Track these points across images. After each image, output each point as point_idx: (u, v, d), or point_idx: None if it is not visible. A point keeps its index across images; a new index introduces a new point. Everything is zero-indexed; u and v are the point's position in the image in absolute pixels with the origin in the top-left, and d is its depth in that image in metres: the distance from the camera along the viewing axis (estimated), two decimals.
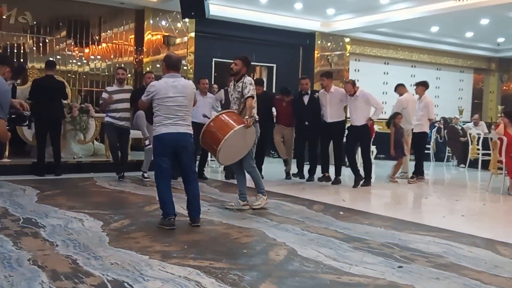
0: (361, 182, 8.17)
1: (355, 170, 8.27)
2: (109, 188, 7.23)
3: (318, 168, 8.60)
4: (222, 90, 8.61)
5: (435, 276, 3.62)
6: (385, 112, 14.64)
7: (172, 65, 4.96)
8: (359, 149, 8.84)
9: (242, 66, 5.94)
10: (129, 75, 11.28)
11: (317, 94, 8.37)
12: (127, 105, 7.82)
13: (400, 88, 9.35)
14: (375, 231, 4.99)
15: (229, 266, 3.66)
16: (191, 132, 4.99)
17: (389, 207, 6.91)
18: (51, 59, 9.18)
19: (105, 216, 5.22)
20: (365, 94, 8.20)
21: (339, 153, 8.50)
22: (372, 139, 9.51)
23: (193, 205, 5.01)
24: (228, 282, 3.32)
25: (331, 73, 8.76)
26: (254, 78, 8.59)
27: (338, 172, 8.40)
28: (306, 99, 8.38)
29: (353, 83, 8.25)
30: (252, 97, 5.83)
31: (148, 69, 11.19)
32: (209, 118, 6.82)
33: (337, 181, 8.33)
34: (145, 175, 7.87)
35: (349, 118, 8.40)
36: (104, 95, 7.87)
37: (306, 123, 8.34)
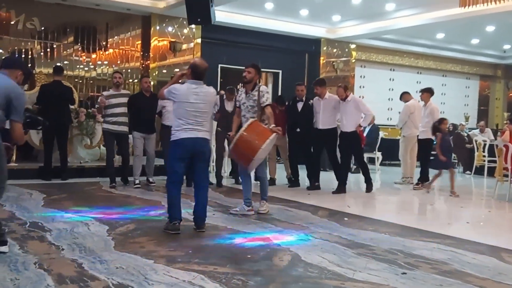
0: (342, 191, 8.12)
1: (343, 177, 8.20)
2: (115, 193, 7.28)
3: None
4: (218, 97, 8.61)
5: (439, 283, 3.62)
6: (390, 119, 14.81)
7: (197, 74, 5.00)
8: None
9: (255, 74, 6.02)
10: (136, 81, 11.36)
11: (311, 101, 8.33)
12: (124, 109, 7.75)
13: (405, 96, 9.40)
14: (380, 237, 5.00)
15: (233, 271, 3.68)
16: (209, 137, 5.07)
17: (394, 213, 6.90)
18: (58, 64, 9.27)
19: (110, 221, 5.26)
20: (356, 100, 8.28)
21: (334, 160, 8.44)
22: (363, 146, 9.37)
23: (200, 211, 5.06)
24: (232, 287, 3.34)
25: (324, 80, 8.70)
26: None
27: (341, 179, 8.28)
28: (300, 105, 8.33)
29: (345, 87, 8.26)
30: (270, 105, 5.97)
31: (154, 74, 11.27)
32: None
33: (340, 190, 8.16)
34: (136, 181, 7.82)
35: (339, 122, 8.32)
36: (100, 98, 7.81)
37: (298, 130, 8.32)
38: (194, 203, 5.29)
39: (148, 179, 8.01)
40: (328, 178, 8.59)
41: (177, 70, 11.43)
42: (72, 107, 8.63)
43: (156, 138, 8.29)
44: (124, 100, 7.77)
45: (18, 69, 4.10)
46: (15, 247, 4.07)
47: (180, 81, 5.26)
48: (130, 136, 8.08)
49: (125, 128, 7.83)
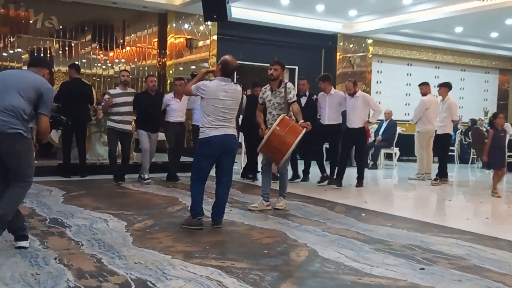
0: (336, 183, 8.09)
1: (337, 172, 8.15)
2: (132, 189, 7.34)
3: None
4: None
5: (457, 278, 3.59)
6: (408, 114, 14.69)
7: (227, 72, 5.00)
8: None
9: (281, 71, 6.09)
10: None
11: (315, 96, 8.29)
12: (130, 108, 7.75)
13: (425, 87, 9.23)
14: (397, 233, 4.97)
15: (250, 267, 3.69)
16: (236, 133, 5.06)
17: (412, 208, 6.85)
18: (76, 62, 9.35)
19: (129, 217, 5.30)
20: (365, 96, 8.26)
21: (335, 155, 8.40)
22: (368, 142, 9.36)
23: (220, 208, 5.07)
24: (249, 282, 3.35)
25: (329, 76, 8.62)
26: (252, 81, 8.70)
27: (338, 174, 8.19)
28: (303, 100, 8.24)
29: (354, 82, 8.24)
30: (296, 101, 5.99)
31: (171, 72, 11.32)
32: None
33: (336, 182, 8.09)
34: (146, 176, 7.88)
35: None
36: (106, 97, 7.79)
37: None
38: (211, 199, 5.33)
39: (144, 176, 8.00)
40: (347, 174, 8.51)
41: (193, 67, 11.50)
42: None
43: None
44: (130, 99, 7.78)
45: (45, 68, 4.20)
46: (35, 243, 4.13)
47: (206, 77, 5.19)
48: (135, 134, 8.18)
49: (129, 127, 7.83)
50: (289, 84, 6.04)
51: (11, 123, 3.74)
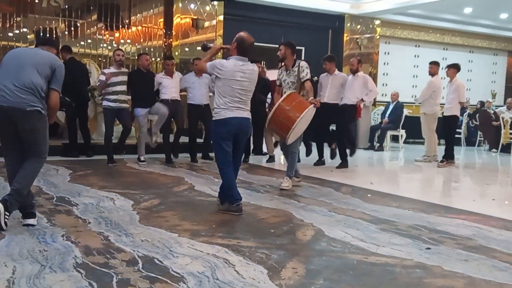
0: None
1: (344, 153, 8.16)
2: (139, 169, 7.36)
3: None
4: None
5: (464, 258, 3.59)
6: (415, 96, 14.59)
7: (243, 49, 4.77)
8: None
9: (286, 49, 6.04)
10: (158, 59, 11.39)
11: (316, 78, 8.22)
12: (124, 87, 7.68)
13: (435, 67, 9.11)
14: (403, 214, 4.97)
15: (256, 245, 3.70)
16: (250, 117, 4.88)
17: (418, 190, 6.85)
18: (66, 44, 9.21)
19: (135, 196, 5.32)
20: (366, 77, 8.27)
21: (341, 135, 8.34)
22: (359, 119, 9.22)
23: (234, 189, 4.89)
24: (256, 260, 3.37)
25: (333, 56, 8.56)
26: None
27: (341, 155, 8.21)
28: None
29: (359, 60, 8.29)
30: (310, 79, 5.96)
31: (177, 53, 11.26)
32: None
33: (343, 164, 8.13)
34: (142, 158, 7.85)
35: None
36: (102, 77, 7.64)
37: None
38: (217, 179, 5.33)
39: (139, 157, 7.96)
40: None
41: (199, 48, 11.40)
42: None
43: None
44: (125, 78, 7.70)
45: (53, 47, 4.28)
46: (43, 220, 4.16)
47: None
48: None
49: (125, 105, 7.76)
50: (303, 63, 6.03)
51: (30, 101, 3.79)
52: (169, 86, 7.98)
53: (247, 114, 4.82)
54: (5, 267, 3.06)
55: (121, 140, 7.98)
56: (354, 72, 8.12)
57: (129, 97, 7.87)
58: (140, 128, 7.89)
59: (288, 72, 6.09)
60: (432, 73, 9.10)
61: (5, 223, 3.76)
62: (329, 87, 7.99)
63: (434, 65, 9.16)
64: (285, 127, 5.52)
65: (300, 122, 5.49)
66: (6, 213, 3.77)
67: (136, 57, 10.80)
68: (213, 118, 4.81)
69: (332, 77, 8.02)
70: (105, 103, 7.66)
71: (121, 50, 8.08)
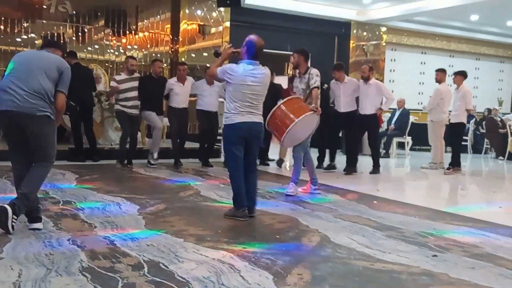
0: (353, 172, 8.20)
1: (352, 159, 8.23)
2: (145, 174, 7.38)
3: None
4: None
5: (470, 265, 3.57)
6: (421, 103, 14.57)
7: (253, 53, 4.69)
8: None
9: (299, 57, 6.12)
10: (165, 65, 11.43)
11: (326, 85, 8.22)
12: (136, 93, 7.76)
13: (441, 74, 9.08)
14: (409, 220, 4.95)
15: (262, 251, 3.69)
16: (262, 121, 4.83)
17: (424, 197, 6.83)
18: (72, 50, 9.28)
19: (141, 201, 5.33)
20: (378, 83, 8.30)
21: (352, 142, 8.45)
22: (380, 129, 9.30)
23: (252, 195, 4.84)
24: (261, 266, 3.36)
25: (342, 64, 8.62)
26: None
27: (352, 162, 8.27)
28: None
29: (371, 68, 8.31)
30: (318, 87, 5.99)
31: (183, 59, 11.28)
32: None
33: (351, 170, 8.19)
34: (155, 155, 7.93)
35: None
36: (113, 83, 7.80)
37: None
38: (222, 184, 5.32)
39: (149, 161, 8.03)
40: (359, 162, 8.48)
41: (205, 54, 11.46)
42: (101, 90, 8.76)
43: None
44: (136, 83, 7.78)
45: (59, 49, 4.29)
46: (49, 224, 4.17)
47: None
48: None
49: (137, 111, 7.88)
50: (313, 70, 6.07)
51: (39, 106, 3.82)
52: (180, 94, 8.04)
53: (258, 119, 4.76)
54: (11, 271, 3.07)
55: (132, 150, 8.01)
56: (365, 79, 8.12)
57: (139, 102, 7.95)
58: (155, 124, 7.96)
59: (300, 79, 6.15)
60: (439, 81, 9.08)
61: (12, 226, 3.77)
62: (342, 96, 8.05)
63: (441, 72, 9.14)
64: (280, 129, 5.53)
65: (296, 126, 5.44)
66: (14, 216, 3.77)
67: (143, 63, 10.97)
68: (224, 123, 4.80)
69: (343, 85, 8.07)
70: (118, 107, 7.79)
71: (135, 59, 8.13)
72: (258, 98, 4.72)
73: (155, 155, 7.93)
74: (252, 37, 4.75)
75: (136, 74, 7.96)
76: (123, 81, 7.71)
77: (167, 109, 8.27)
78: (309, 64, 6.34)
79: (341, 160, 8.50)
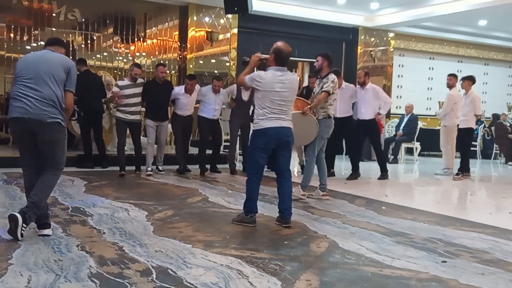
0: (357, 177, 8.19)
1: (356, 165, 8.22)
2: (153, 180, 7.40)
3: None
4: (235, 85, 8.59)
5: (480, 271, 3.55)
6: (430, 109, 14.53)
7: (282, 59, 4.73)
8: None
9: (323, 61, 6.16)
10: (173, 72, 11.49)
11: None
12: (138, 99, 7.75)
13: (453, 79, 8.99)
14: (418, 226, 4.92)
15: (270, 257, 3.69)
16: (291, 126, 4.82)
17: (433, 203, 6.78)
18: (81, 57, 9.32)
19: (149, 207, 5.34)
20: (375, 88, 8.28)
21: (353, 147, 8.46)
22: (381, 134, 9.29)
23: (287, 204, 4.79)
24: (270, 271, 3.35)
25: (338, 70, 8.60)
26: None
27: (354, 168, 8.25)
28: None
29: (366, 73, 8.30)
30: (327, 92, 6.00)
31: (191, 66, 11.34)
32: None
33: (354, 176, 8.17)
34: (149, 169, 7.87)
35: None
36: (115, 89, 7.74)
37: None
38: (230, 191, 5.32)
39: (158, 167, 8.05)
40: (367, 167, 8.47)
41: (213, 60, 11.50)
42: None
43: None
44: (139, 90, 7.75)
45: (62, 47, 4.28)
46: (58, 230, 4.19)
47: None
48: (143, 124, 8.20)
49: (138, 117, 7.87)
50: (331, 76, 6.10)
51: (51, 113, 3.85)
52: (186, 103, 8.06)
53: (287, 124, 4.75)
54: (21, 277, 3.09)
55: (136, 159, 8.01)
56: (361, 84, 8.12)
57: (143, 109, 7.95)
58: (148, 136, 7.93)
59: (319, 82, 6.18)
60: (451, 86, 9.00)
61: (21, 234, 3.80)
62: (339, 101, 8.00)
63: (453, 77, 9.07)
64: None
65: None
66: (24, 225, 3.80)
67: (152, 70, 11.01)
68: (253, 128, 4.80)
69: (341, 90, 8.03)
70: (118, 114, 7.74)
71: (140, 68, 8.02)
72: (286, 103, 4.73)
73: (149, 169, 7.86)
74: (280, 44, 4.80)
75: (140, 80, 7.92)
76: (126, 87, 7.67)
77: (172, 115, 8.26)
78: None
79: (338, 165, 8.42)
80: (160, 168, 8.06)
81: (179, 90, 8.21)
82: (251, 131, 6.07)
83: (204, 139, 8.42)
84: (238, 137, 8.51)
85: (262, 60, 4.93)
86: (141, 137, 8.36)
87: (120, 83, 7.81)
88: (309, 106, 5.89)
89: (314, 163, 6.16)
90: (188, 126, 8.26)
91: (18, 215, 3.77)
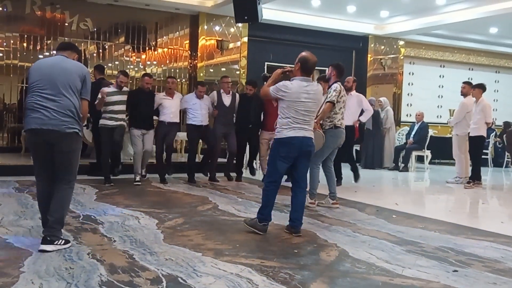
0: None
1: (337, 172, 8.02)
2: (163, 188, 7.43)
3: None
4: (215, 92, 8.58)
5: (492, 281, 3.52)
6: (440, 117, 14.46)
7: (307, 69, 4.75)
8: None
9: (332, 70, 6.25)
10: (183, 80, 11.55)
11: None
12: (123, 107, 7.69)
13: (467, 87, 8.96)
14: (429, 235, 4.90)
15: (280, 265, 3.69)
16: (313, 136, 4.84)
17: (444, 211, 6.74)
18: (100, 64, 9.37)
19: (159, 215, 5.36)
20: (359, 96, 8.48)
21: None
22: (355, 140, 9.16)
23: (299, 214, 4.81)
24: (279, 280, 3.35)
25: (324, 76, 8.58)
26: (249, 79, 8.88)
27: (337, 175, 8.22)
28: None
29: (355, 80, 8.49)
30: (332, 102, 6.02)
31: (201, 74, 11.38)
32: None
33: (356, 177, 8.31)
34: (137, 178, 7.79)
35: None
36: (100, 95, 7.48)
37: None
38: (240, 199, 5.32)
39: (141, 172, 8.02)
40: (379, 176, 8.45)
41: (223, 69, 11.54)
42: None
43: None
44: (124, 98, 7.71)
45: (75, 52, 4.22)
46: (69, 238, 4.20)
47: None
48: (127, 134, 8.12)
49: (121, 122, 7.74)
50: (334, 85, 6.14)
51: (69, 123, 3.85)
52: (169, 107, 7.96)
53: (310, 134, 4.77)
54: (32, 284, 3.11)
55: (113, 160, 7.90)
56: (348, 90, 8.07)
57: (127, 117, 7.92)
58: (134, 146, 7.86)
59: (327, 92, 6.21)
60: (465, 93, 8.95)
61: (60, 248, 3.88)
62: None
63: (467, 85, 9.01)
64: None
65: None
66: (57, 247, 3.84)
67: (162, 79, 11.07)
68: (275, 137, 4.80)
69: (324, 97, 8.08)
70: (102, 121, 7.61)
71: (126, 76, 7.92)
72: (310, 114, 4.75)
73: (138, 178, 7.79)
74: (305, 54, 4.81)
75: (125, 89, 7.86)
76: (112, 93, 7.59)
77: (156, 123, 8.13)
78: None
79: (347, 173, 8.38)
80: (143, 173, 8.03)
81: (160, 95, 8.16)
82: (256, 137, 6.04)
83: (193, 147, 8.34)
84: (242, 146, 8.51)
85: (286, 73, 4.95)
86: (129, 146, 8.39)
87: (105, 89, 7.59)
88: (315, 121, 5.84)
89: (318, 170, 6.16)
90: (171, 133, 8.11)
91: (48, 247, 3.79)
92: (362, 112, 8.48)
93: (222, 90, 8.40)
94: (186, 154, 8.76)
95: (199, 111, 8.09)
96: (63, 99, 3.86)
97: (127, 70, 10.98)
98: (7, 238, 4.21)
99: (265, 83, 5.16)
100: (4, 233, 4.39)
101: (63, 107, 3.85)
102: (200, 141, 8.87)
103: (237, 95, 8.63)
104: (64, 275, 3.29)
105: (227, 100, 8.30)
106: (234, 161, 8.69)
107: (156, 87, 10.66)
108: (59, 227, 3.93)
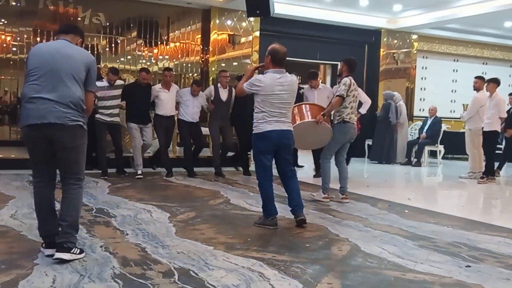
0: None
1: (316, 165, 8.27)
2: (175, 182, 7.46)
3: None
4: (212, 86, 8.59)
5: (505, 276, 3.49)
6: (454, 111, 14.33)
7: (278, 60, 4.71)
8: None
9: (343, 66, 6.23)
10: (196, 75, 11.56)
11: (302, 90, 8.22)
12: (117, 101, 7.71)
13: (480, 82, 8.86)
14: (442, 230, 4.87)
15: (291, 259, 3.69)
16: (292, 128, 4.86)
17: (457, 207, 6.69)
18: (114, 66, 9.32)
19: (172, 209, 5.39)
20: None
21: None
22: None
23: (296, 200, 4.86)
24: (291, 274, 3.35)
25: (316, 72, 8.65)
26: (241, 74, 8.81)
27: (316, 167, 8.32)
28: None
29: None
30: (341, 96, 5.97)
31: (213, 68, 11.38)
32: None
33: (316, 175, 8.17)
34: (139, 171, 7.75)
35: None
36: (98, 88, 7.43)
37: None
38: (252, 193, 5.31)
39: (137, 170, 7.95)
40: (391, 170, 8.40)
41: (235, 63, 11.54)
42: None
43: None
44: (118, 92, 7.71)
45: (78, 35, 3.77)
46: (82, 231, 4.24)
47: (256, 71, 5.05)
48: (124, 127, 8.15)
49: (117, 119, 7.78)
50: (344, 79, 6.08)
51: (72, 115, 3.44)
52: (166, 100, 7.94)
53: (287, 126, 4.78)
54: (46, 276, 3.15)
55: (117, 161, 7.96)
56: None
57: (123, 111, 7.94)
58: (133, 139, 7.88)
59: (338, 86, 6.20)
60: (477, 88, 8.87)
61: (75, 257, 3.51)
62: (316, 102, 7.95)
63: (480, 79, 8.93)
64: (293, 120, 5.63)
65: (298, 128, 5.55)
66: (71, 254, 3.46)
67: (174, 73, 11.05)
68: (253, 132, 4.80)
69: (318, 91, 8.18)
70: (97, 115, 7.58)
71: (116, 74, 7.84)
72: (286, 106, 4.74)
73: (139, 171, 7.77)
74: (274, 45, 4.79)
75: (119, 81, 7.85)
76: (104, 87, 7.59)
77: (153, 117, 8.14)
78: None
79: (360, 168, 8.38)
80: (139, 172, 7.92)
81: (156, 87, 8.09)
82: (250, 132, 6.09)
83: (185, 142, 8.31)
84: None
85: (258, 68, 5.01)
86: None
87: (98, 83, 7.25)
88: (322, 113, 5.87)
89: (329, 164, 6.17)
90: (170, 128, 8.18)
91: (64, 255, 3.41)
92: (360, 104, 8.36)
93: (219, 85, 8.39)
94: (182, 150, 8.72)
95: (191, 109, 8.09)
96: (66, 90, 3.43)
97: (139, 65, 11.03)
98: (22, 231, 4.25)
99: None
100: (19, 225, 4.44)
101: (66, 98, 3.42)
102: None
103: (233, 90, 8.61)
104: (77, 268, 3.32)
105: (224, 94, 8.31)
106: (233, 154, 8.76)
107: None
108: (74, 232, 3.55)
